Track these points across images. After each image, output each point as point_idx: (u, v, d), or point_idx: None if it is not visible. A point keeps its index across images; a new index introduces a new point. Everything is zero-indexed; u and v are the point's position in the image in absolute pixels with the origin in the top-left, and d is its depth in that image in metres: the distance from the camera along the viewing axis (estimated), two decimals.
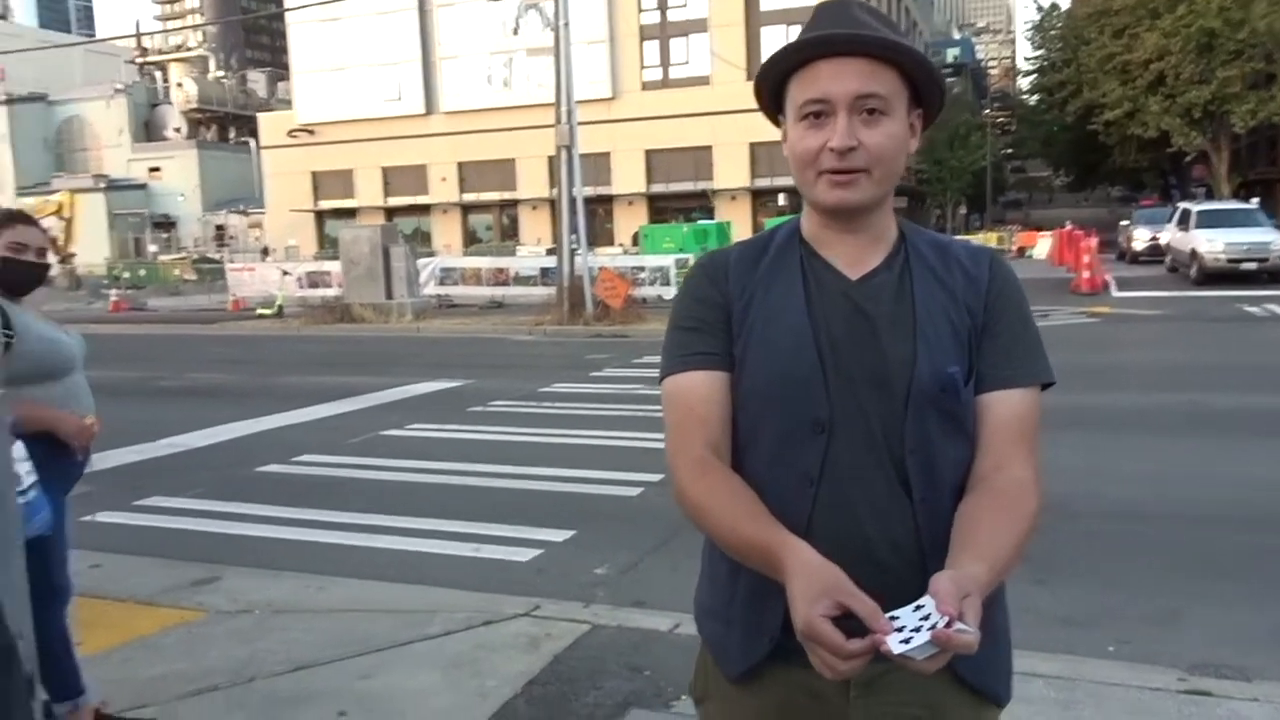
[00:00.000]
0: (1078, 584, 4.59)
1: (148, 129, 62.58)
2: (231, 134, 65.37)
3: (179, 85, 65.86)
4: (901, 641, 1.09)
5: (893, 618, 1.12)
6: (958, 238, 1.52)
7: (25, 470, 2.81)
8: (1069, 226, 28.31)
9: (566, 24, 18.50)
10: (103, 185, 56.18)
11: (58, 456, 2.98)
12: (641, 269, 21.31)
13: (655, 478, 6.40)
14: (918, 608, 1.13)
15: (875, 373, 1.34)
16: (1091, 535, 5.28)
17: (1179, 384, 9.74)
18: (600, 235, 39.03)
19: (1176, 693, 3.23)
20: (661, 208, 44.30)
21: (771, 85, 1.39)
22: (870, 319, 1.36)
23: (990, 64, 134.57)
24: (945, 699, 1.35)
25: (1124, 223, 32.69)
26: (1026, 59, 64.85)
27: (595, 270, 18.90)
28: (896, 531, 1.33)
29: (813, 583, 1.15)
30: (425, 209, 48.91)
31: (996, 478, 1.33)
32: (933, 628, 1.08)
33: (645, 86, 43.96)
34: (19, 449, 2.88)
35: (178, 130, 62.81)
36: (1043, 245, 34.43)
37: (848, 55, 1.30)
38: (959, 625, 1.08)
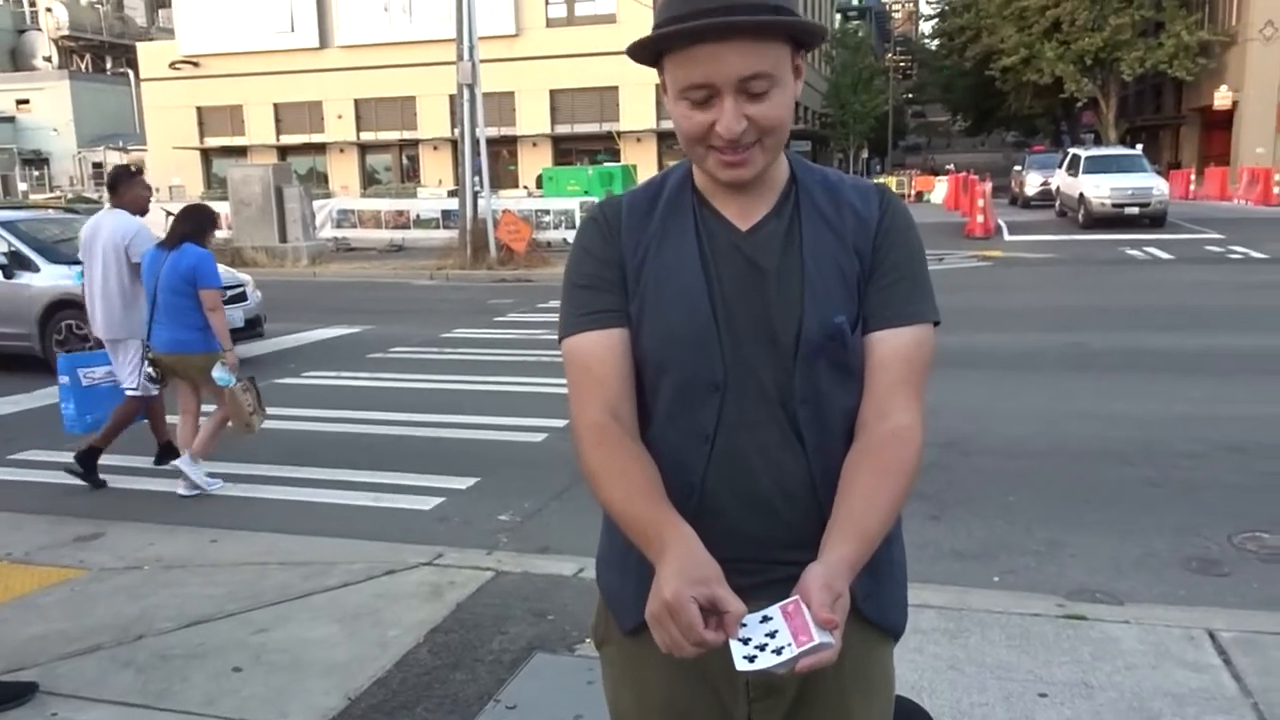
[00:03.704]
0: (969, 519, 4.78)
1: (14, 58, 58.50)
2: (108, 65, 61.61)
3: (48, 10, 61.41)
4: (745, 658, 1.10)
5: (740, 625, 1.13)
6: (849, 175, 1.49)
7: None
8: (951, 170, 29.01)
9: None
10: None
11: None
12: (546, 212, 21.04)
13: (559, 423, 6.38)
14: (765, 619, 1.13)
15: (765, 327, 1.33)
16: (981, 472, 5.49)
17: (1063, 325, 10.15)
18: (504, 177, 38.33)
19: (1055, 618, 3.40)
20: (566, 149, 43.67)
21: (648, 57, 1.31)
22: (761, 272, 1.34)
23: (894, 7, 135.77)
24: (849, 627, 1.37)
25: (1016, 168, 33.68)
26: (928, 3, 65.72)
27: (498, 213, 18.57)
28: (790, 482, 1.33)
29: (693, 566, 1.15)
30: (320, 148, 47.12)
31: (878, 428, 1.32)
32: (778, 651, 1.09)
33: (550, 24, 42.96)
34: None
35: (48, 59, 58.87)
36: (939, 189, 35.24)
37: (727, 40, 1.22)
38: (816, 642, 1.08)
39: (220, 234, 21.39)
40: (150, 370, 5.50)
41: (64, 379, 5.81)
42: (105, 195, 5.65)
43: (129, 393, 5.72)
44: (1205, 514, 4.72)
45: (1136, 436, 6.05)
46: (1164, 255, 16.37)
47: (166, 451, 5.95)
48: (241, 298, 9.41)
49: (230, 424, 5.52)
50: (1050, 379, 7.81)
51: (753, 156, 1.29)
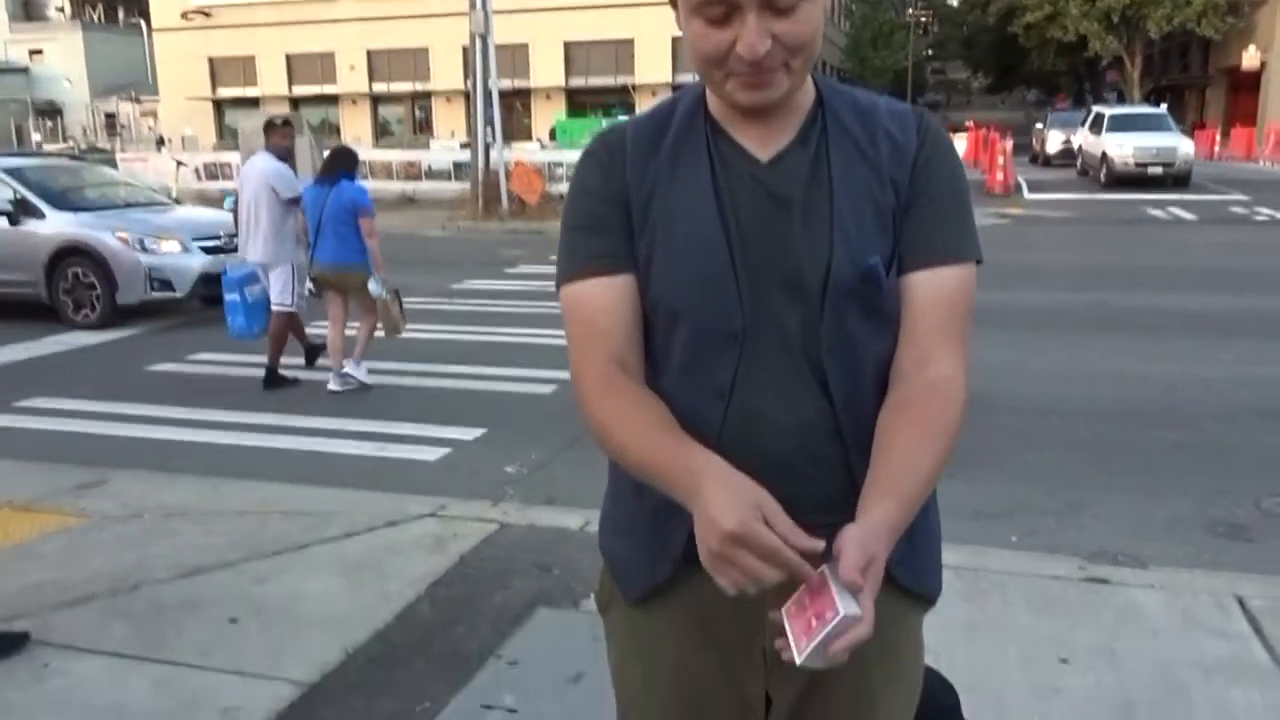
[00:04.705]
0: (989, 477, 4.64)
1: (27, 8, 58.03)
2: (120, 15, 61.04)
3: None
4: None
5: None
6: (883, 97, 1.32)
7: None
8: (970, 126, 28.49)
9: None
10: None
11: None
12: (559, 164, 20.76)
13: (568, 375, 6.25)
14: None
15: (789, 269, 1.18)
16: (1004, 429, 5.34)
17: (1086, 285, 9.94)
18: (518, 130, 37.91)
19: (1077, 580, 3.28)
20: (581, 102, 43.16)
21: None
22: (785, 206, 1.19)
23: None
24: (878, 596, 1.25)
25: (1038, 126, 33.03)
26: None
27: (510, 165, 18.35)
28: (816, 440, 1.19)
29: (743, 493, 1.03)
30: (333, 99, 46.75)
31: (918, 379, 1.18)
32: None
33: None
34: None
35: (60, 10, 58.39)
36: (959, 145, 34.68)
37: None
38: (841, 615, 0.98)
39: (230, 184, 21.35)
40: (311, 286, 6.47)
41: (233, 295, 6.70)
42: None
43: (276, 309, 6.58)
44: (1233, 478, 4.58)
45: (1163, 398, 5.90)
46: (1187, 216, 16.04)
47: (313, 353, 7.00)
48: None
49: (380, 329, 6.41)
50: (1075, 338, 7.64)
51: (778, 78, 1.13)
